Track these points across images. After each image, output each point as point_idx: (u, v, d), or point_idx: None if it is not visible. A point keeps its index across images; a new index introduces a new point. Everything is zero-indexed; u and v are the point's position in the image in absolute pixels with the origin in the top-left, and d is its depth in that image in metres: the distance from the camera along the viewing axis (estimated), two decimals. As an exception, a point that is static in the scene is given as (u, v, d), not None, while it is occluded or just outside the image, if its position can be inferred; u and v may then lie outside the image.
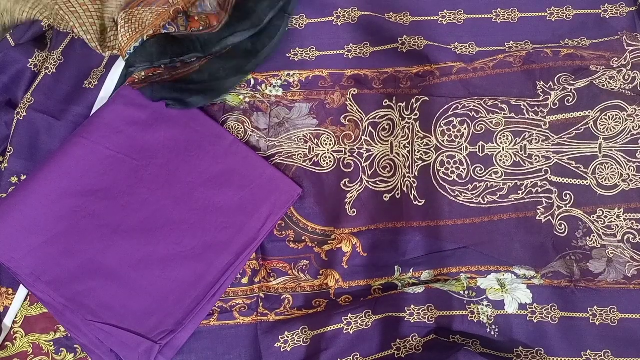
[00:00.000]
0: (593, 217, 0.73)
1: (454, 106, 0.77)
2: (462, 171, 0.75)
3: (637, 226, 0.73)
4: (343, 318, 0.71)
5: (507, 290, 0.72)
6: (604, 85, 0.75)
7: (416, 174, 0.76)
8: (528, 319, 0.71)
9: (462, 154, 0.76)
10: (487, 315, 0.71)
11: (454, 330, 0.71)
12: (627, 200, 0.73)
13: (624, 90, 0.75)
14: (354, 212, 0.75)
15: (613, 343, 0.69)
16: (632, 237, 0.73)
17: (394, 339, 0.70)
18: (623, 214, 0.73)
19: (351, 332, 0.70)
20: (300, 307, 0.73)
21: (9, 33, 0.80)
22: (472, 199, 0.75)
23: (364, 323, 0.70)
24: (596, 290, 0.71)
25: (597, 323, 0.70)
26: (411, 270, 0.74)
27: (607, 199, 0.73)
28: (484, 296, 0.72)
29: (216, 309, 0.73)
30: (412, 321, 0.70)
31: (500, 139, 0.76)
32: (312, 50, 0.80)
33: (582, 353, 0.70)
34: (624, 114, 0.74)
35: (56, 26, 0.80)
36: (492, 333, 0.71)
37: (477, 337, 0.71)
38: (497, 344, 0.70)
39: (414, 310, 0.71)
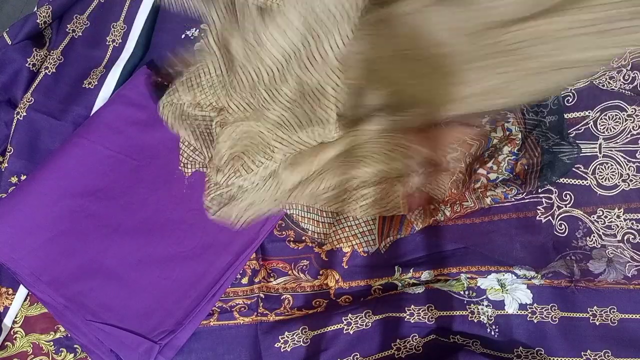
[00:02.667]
0: (593, 217, 0.73)
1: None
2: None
3: (637, 226, 0.73)
4: (343, 318, 0.71)
5: (507, 290, 0.72)
6: (604, 85, 0.75)
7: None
8: (528, 319, 0.71)
9: None
10: (487, 315, 0.71)
11: (454, 331, 0.71)
12: (627, 200, 0.73)
13: (624, 90, 0.75)
14: (354, 212, 0.75)
15: (613, 343, 0.69)
16: (632, 237, 0.72)
17: (394, 339, 0.70)
18: (623, 214, 0.73)
19: (351, 332, 0.70)
20: (300, 307, 0.73)
21: (5, 31, 0.79)
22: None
23: (364, 323, 0.70)
24: (596, 290, 0.71)
25: (597, 323, 0.70)
26: (411, 271, 0.74)
27: (607, 199, 0.73)
28: (484, 296, 0.72)
29: (216, 309, 0.73)
30: (412, 321, 0.70)
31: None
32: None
33: (582, 353, 0.70)
34: (623, 114, 0.74)
35: None
36: (492, 333, 0.70)
37: (477, 337, 0.71)
38: (497, 344, 0.70)
39: (414, 310, 0.71)
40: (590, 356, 0.69)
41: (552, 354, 0.70)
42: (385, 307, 0.71)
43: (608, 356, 0.69)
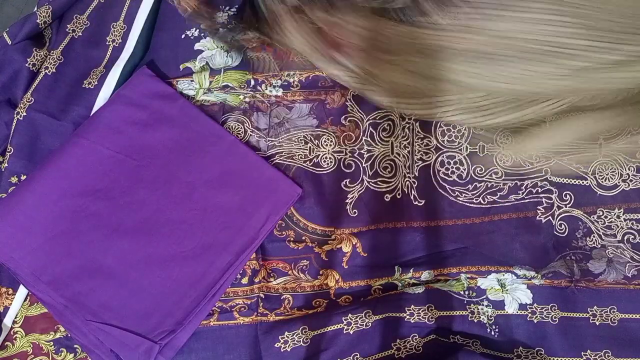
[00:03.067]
0: (593, 217, 0.73)
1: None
2: (462, 171, 0.75)
3: (637, 226, 0.73)
4: (343, 318, 0.71)
5: (507, 290, 0.72)
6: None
7: (416, 174, 0.76)
8: (528, 319, 0.71)
9: (462, 154, 0.76)
10: (487, 315, 0.71)
11: (454, 331, 0.71)
12: (627, 200, 0.73)
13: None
14: (354, 212, 0.75)
15: (613, 343, 0.69)
16: (632, 237, 0.73)
17: (394, 339, 0.70)
18: (623, 214, 0.73)
19: (351, 332, 0.70)
20: (300, 307, 0.73)
21: (5, 31, 0.79)
22: (472, 199, 0.75)
23: (364, 323, 0.70)
24: (596, 291, 0.71)
25: (597, 323, 0.70)
26: (411, 271, 0.74)
27: (607, 199, 0.73)
28: (484, 296, 0.72)
29: (216, 309, 0.73)
30: (412, 321, 0.70)
31: (500, 139, 0.76)
32: (312, 50, 0.80)
33: (582, 353, 0.70)
34: (624, 114, 0.74)
35: None
36: (492, 333, 0.71)
37: (477, 337, 0.71)
38: (497, 344, 0.70)
39: (414, 311, 0.71)
40: (591, 356, 0.69)
41: (552, 354, 0.70)
42: (385, 307, 0.71)
43: (608, 356, 0.69)
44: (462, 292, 0.72)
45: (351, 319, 0.70)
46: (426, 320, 0.71)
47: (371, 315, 0.71)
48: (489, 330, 0.71)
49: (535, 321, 0.71)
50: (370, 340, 0.70)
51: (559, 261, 0.72)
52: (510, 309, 0.71)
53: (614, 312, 0.70)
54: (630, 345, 0.70)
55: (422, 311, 0.71)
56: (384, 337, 0.70)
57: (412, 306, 0.71)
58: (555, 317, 0.71)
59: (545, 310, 0.71)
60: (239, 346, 0.72)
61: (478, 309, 0.71)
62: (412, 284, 0.74)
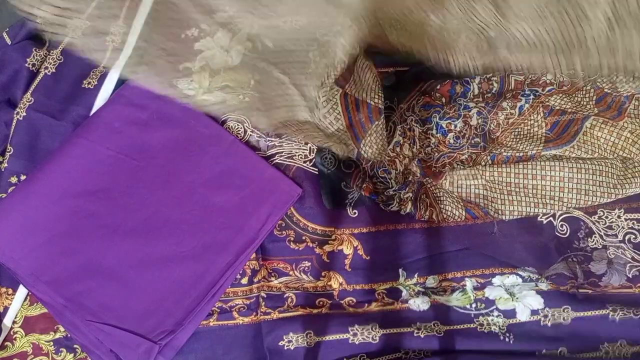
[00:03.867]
0: (594, 218, 0.73)
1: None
2: (463, 171, 0.75)
3: (638, 226, 0.73)
4: (349, 328, 0.70)
5: (517, 298, 0.71)
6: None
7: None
8: (542, 323, 0.70)
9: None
10: (499, 325, 0.70)
11: (462, 344, 0.70)
12: (628, 200, 0.74)
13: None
14: (355, 213, 0.75)
15: (632, 331, 0.69)
16: (633, 237, 0.72)
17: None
18: (624, 214, 0.73)
19: (357, 343, 0.70)
20: (303, 305, 0.72)
21: (5, 31, 0.79)
22: (473, 199, 0.75)
23: (370, 336, 0.70)
24: (603, 295, 0.70)
25: (617, 319, 0.69)
26: (416, 275, 0.73)
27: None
28: (494, 307, 0.71)
29: (216, 309, 0.72)
30: (422, 336, 0.70)
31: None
32: (313, 50, 0.80)
33: (600, 346, 0.69)
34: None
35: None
36: (507, 340, 0.70)
37: (487, 348, 0.70)
38: (514, 350, 0.70)
39: (421, 327, 0.70)
40: (609, 349, 0.68)
41: (571, 351, 0.69)
42: (391, 323, 0.71)
43: (624, 345, 0.68)
44: (468, 306, 0.72)
45: (357, 330, 0.70)
46: (435, 333, 0.70)
47: (377, 329, 0.70)
48: (502, 337, 0.70)
49: (549, 324, 0.70)
50: (377, 350, 0.70)
51: (561, 263, 0.72)
52: (523, 316, 0.70)
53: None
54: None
55: (428, 327, 0.70)
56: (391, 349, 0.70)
57: (419, 323, 0.71)
58: (567, 318, 0.70)
59: (557, 312, 0.70)
60: (238, 346, 0.72)
61: (488, 320, 0.71)
62: (416, 291, 0.73)
